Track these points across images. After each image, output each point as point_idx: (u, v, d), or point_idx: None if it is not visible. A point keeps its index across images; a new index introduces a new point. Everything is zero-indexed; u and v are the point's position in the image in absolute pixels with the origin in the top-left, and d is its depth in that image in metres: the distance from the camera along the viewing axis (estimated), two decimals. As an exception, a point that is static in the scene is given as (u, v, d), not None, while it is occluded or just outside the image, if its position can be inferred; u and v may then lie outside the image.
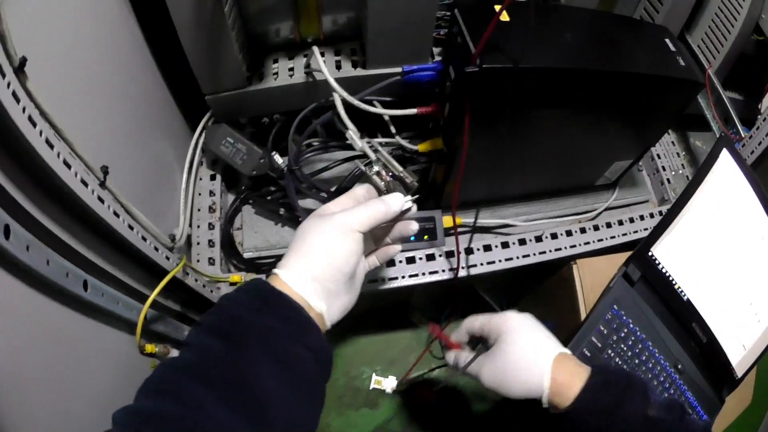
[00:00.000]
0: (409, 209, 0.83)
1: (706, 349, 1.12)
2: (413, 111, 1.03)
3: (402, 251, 1.07)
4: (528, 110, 0.92)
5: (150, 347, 0.87)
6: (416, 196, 0.85)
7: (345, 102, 0.98)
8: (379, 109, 1.01)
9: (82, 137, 0.70)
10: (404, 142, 1.09)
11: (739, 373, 1.13)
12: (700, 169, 1.10)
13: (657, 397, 0.79)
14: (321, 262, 0.73)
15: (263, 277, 0.80)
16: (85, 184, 0.71)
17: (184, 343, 0.65)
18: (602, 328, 1.10)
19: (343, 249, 0.74)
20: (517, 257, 1.17)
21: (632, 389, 0.79)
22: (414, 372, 1.55)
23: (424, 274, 1.13)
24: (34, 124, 0.61)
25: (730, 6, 1.25)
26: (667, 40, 1.00)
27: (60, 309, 0.70)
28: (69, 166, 0.68)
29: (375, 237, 0.87)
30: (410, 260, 1.14)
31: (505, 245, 1.19)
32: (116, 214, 0.78)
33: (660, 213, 1.27)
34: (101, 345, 0.80)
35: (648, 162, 1.39)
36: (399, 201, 0.80)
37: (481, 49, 0.80)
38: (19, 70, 0.60)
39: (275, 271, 0.72)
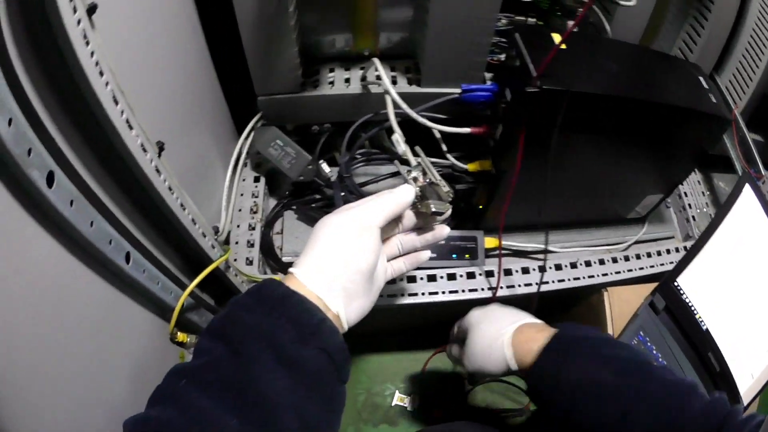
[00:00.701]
0: (441, 214, 0.73)
1: (718, 378, 1.04)
2: (467, 130, 0.95)
3: (442, 267, 1.03)
4: (576, 135, 0.88)
5: (182, 336, 0.76)
6: (449, 207, 0.76)
7: (396, 108, 0.90)
8: (435, 125, 0.94)
9: (140, 107, 0.60)
10: (455, 161, 1.02)
11: (745, 402, 1.04)
12: (725, 203, 1.06)
13: (619, 353, 0.73)
14: (338, 260, 0.63)
15: (279, 276, 0.68)
16: (145, 151, 0.60)
17: (195, 348, 0.58)
18: None
19: (360, 246, 0.64)
20: (553, 281, 1.08)
21: (576, 351, 0.73)
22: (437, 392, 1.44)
23: (464, 291, 1.04)
24: (101, 73, 0.51)
25: (755, 46, 1.22)
26: (700, 78, 0.97)
27: (96, 280, 0.59)
28: (131, 128, 0.57)
29: (404, 244, 0.76)
30: (451, 276, 1.05)
31: (541, 269, 1.09)
32: (171, 190, 0.66)
33: (684, 248, 1.20)
34: (132, 324, 0.68)
35: (675, 200, 1.33)
36: (408, 192, 0.70)
37: (542, 72, 0.77)
38: (89, 14, 0.50)
39: (291, 270, 0.63)
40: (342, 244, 0.63)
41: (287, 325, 0.55)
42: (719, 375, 1.03)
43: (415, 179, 0.74)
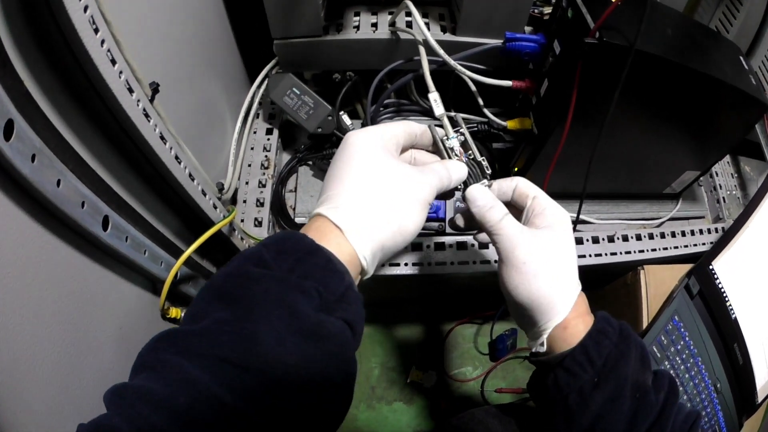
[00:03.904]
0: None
1: (740, 372, 0.99)
2: (508, 83, 0.85)
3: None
4: (628, 99, 0.77)
5: (175, 311, 0.64)
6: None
7: (430, 56, 0.81)
8: (475, 75, 0.82)
9: (131, 41, 0.48)
10: (492, 117, 0.91)
11: (760, 398, 0.99)
12: (759, 191, 1.02)
13: (650, 364, 0.58)
14: (399, 229, 0.53)
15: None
16: (131, 92, 0.47)
17: (188, 310, 0.46)
18: (663, 339, 0.99)
19: (421, 222, 0.55)
20: (590, 255, 0.98)
21: (628, 345, 0.56)
22: (455, 369, 1.34)
23: (497, 261, 0.85)
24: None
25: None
26: (741, 58, 0.89)
27: (66, 251, 0.47)
28: (114, 62, 0.45)
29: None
30: (483, 245, 0.92)
31: (578, 241, 0.98)
32: (163, 139, 0.53)
33: (715, 230, 1.13)
34: (114, 303, 0.56)
35: (707, 179, 1.23)
36: (461, 171, 0.61)
37: (601, 23, 0.68)
38: None
39: (323, 212, 0.50)
40: (407, 216, 0.53)
41: (312, 290, 0.44)
42: (741, 369, 0.99)
43: (451, 149, 0.63)
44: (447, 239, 0.91)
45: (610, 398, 0.53)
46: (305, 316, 0.43)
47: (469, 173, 0.62)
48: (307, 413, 0.43)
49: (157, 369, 0.40)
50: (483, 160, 0.63)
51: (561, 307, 0.56)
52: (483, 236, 0.65)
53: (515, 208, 0.63)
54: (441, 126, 0.66)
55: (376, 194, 0.52)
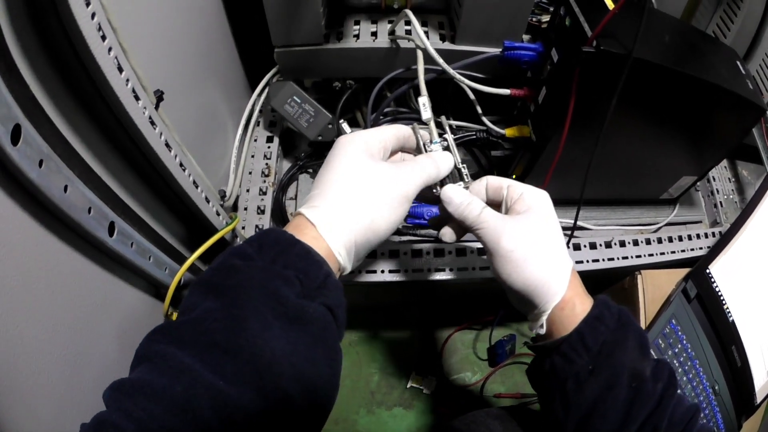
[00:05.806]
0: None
1: (738, 373, 0.99)
2: (506, 91, 0.84)
3: (472, 241, 0.86)
4: (625, 106, 0.75)
5: None
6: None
7: (429, 64, 0.80)
8: (473, 83, 0.82)
9: (136, 49, 0.48)
10: (491, 125, 0.90)
11: (759, 399, 0.99)
12: (756, 195, 1.02)
13: (650, 353, 0.58)
14: (369, 226, 0.54)
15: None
16: (137, 99, 0.48)
17: (180, 306, 0.48)
18: (660, 342, 0.99)
19: (396, 219, 0.56)
20: (587, 261, 0.98)
21: (626, 332, 0.56)
22: (454, 374, 1.34)
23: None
24: (88, 3, 0.40)
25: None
26: (738, 63, 0.89)
27: (72, 256, 0.47)
28: (121, 70, 0.45)
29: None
30: (482, 251, 0.92)
31: (576, 247, 0.99)
32: (168, 147, 0.53)
33: (712, 234, 1.13)
34: (119, 307, 0.56)
35: (704, 184, 1.24)
36: (449, 163, 0.62)
37: (598, 32, 0.68)
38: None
39: (304, 211, 0.53)
40: (382, 213, 0.55)
41: (293, 278, 0.47)
42: (740, 371, 0.99)
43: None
44: (446, 246, 0.91)
45: (605, 386, 0.54)
46: (288, 302, 0.45)
47: (449, 177, 0.62)
48: (296, 398, 0.43)
49: (152, 360, 0.41)
50: (463, 167, 0.64)
51: (557, 287, 0.57)
52: (448, 232, 0.65)
53: (495, 206, 0.63)
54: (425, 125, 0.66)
55: (350, 194, 0.54)
